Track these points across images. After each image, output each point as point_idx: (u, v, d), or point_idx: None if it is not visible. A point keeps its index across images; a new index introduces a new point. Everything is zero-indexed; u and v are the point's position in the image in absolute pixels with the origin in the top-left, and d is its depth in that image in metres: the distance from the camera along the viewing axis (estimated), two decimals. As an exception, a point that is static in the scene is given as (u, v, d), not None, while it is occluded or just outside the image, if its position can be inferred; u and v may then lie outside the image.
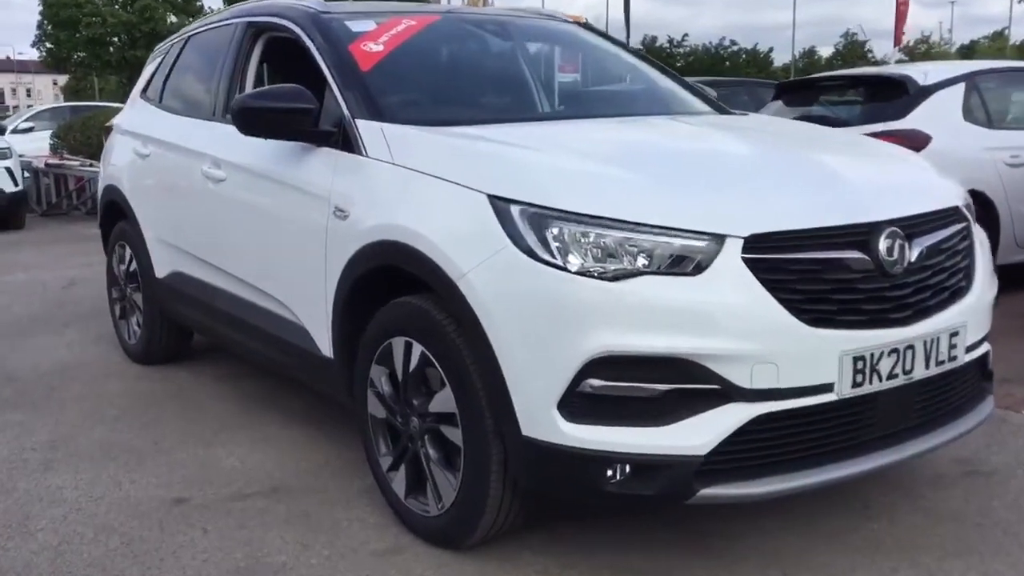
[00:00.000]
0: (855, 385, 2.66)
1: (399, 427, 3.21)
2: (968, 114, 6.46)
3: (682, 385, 2.59)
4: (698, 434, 2.59)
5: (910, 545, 3.06)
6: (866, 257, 2.71)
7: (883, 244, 2.73)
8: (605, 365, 2.58)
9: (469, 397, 2.85)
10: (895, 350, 2.72)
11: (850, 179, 2.97)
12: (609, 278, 2.58)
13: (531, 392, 2.67)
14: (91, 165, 12.91)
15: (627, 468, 2.63)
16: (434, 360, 2.97)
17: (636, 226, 2.61)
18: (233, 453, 4.01)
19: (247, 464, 3.89)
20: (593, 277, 2.59)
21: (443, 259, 2.84)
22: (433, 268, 2.87)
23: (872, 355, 2.68)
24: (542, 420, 2.66)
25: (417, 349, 3.03)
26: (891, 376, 2.73)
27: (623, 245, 2.61)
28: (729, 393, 2.59)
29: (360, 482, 3.64)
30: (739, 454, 2.64)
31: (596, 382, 2.59)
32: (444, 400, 2.95)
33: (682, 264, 2.60)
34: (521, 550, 3.10)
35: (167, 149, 4.93)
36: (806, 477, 2.70)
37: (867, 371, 2.68)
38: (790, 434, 2.68)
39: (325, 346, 3.56)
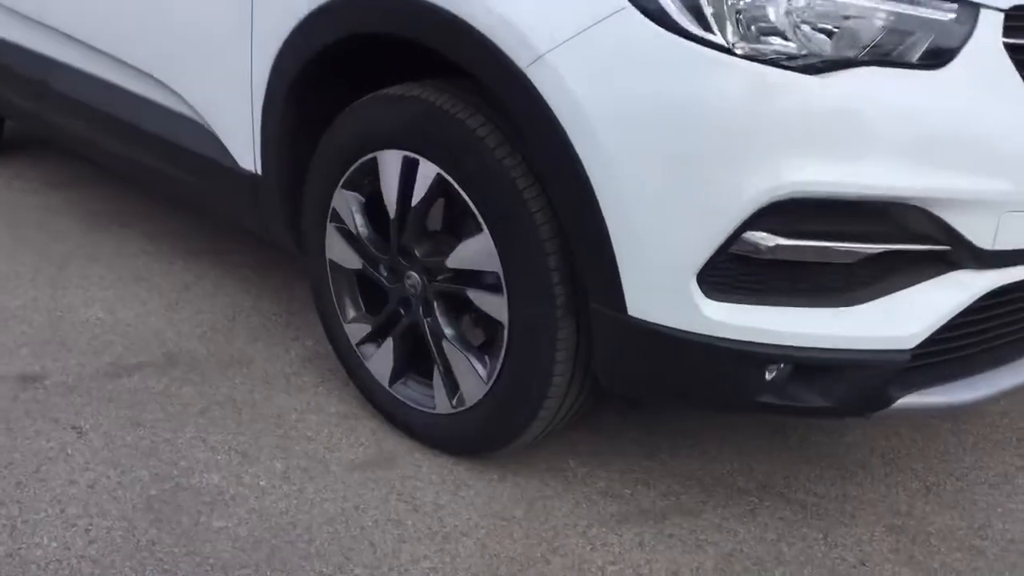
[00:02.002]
0: None
1: (384, 284, 2.15)
2: None
3: (895, 245, 1.67)
4: (906, 318, 1.70)
5: None
6: None
7: None
8: (784, 214, 1.61)
9: (526, 251, 1.83)
10: None
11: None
12: (800, 69, 1.58)
13: (653, 252, 1.68)
14: None
15: (795, 368, 1.72)
16: (461, 191, 1.91)
17: None
18: (94, 299, 2.83)
19: (118, 316, 2.73)
20: (775, 66, 1.58)
21: (500, 27, 1.73)
22: (480, 43, 1.76)
23: None
24: (667, 296, 1.69)
25: (428, 171, 1.95)
26: None
27: (826, 17, 1.60)
28: (958, 257, 1.70)
29: (299, 348, 2.59)
30: (951, 346, 1.77)
31: (767, 239, 1.63)
32: (477, 252, 1.92)
33: (913, 49, 1.61)
34: (565, 456, 2.19)
35: None
36: (1016, 376, 1.88)
37: None
38: (1016, 318, 1.84)
39: (244, 155, 2.40)
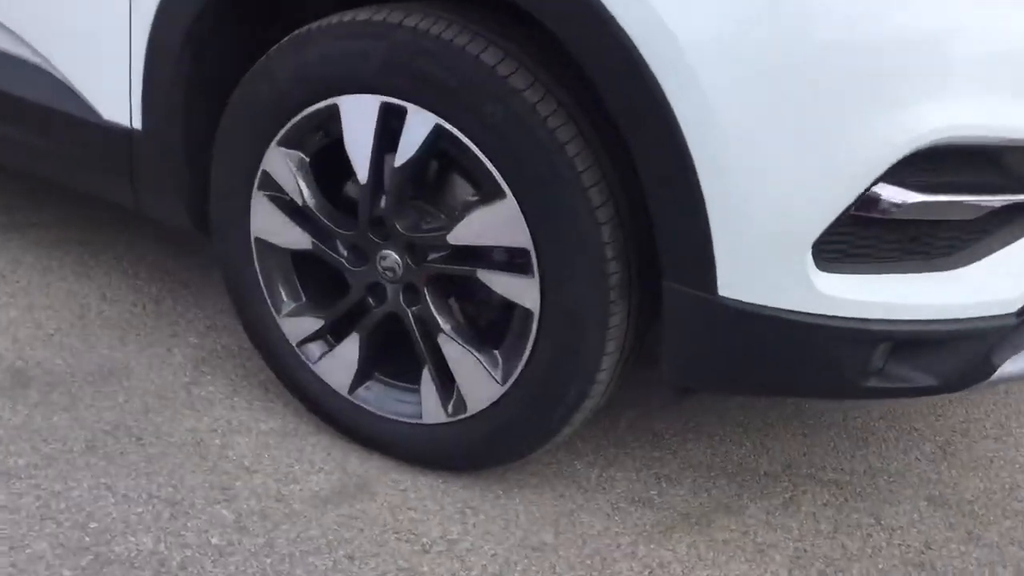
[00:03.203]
0: None
1: (344, 266, 1.69)
2: None
3: (1016, 196, 1.45)
4: (1010, 277, 1.49)
5: None
6: None
7: None
8: (922, 164, 1.34)
9: (570, 220, 1.46)
10: None
11: None
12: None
13: (761, 219, 1.35)
14: None
15: (897, 345, 1.47)
16: (474, 147, 1.49)
17: None
18: None
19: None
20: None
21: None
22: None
23: None
24: (773, 271, 1.38)
25: (421, 123, 1.51)
26: None
27: None
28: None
29: (185, 348, 2.05)
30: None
31: (899, 196, 1.35)
32: (495, 224, 1.52)
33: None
34: (565, 456, 1.84)
35: None
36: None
37: None
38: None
39: (111, 105, 1.83)
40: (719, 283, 1.39)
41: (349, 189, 1.72)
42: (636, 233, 1.49)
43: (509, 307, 1.59)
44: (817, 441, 1.97)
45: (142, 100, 1.77)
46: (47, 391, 1.87)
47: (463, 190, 1.61)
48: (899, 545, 1.72)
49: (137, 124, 1.80)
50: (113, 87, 1.80)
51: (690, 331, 1.45)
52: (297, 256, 1.75)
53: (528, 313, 1.54)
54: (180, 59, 1.69)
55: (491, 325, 1.66)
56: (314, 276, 1.78)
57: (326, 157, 1.66)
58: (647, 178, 1.38)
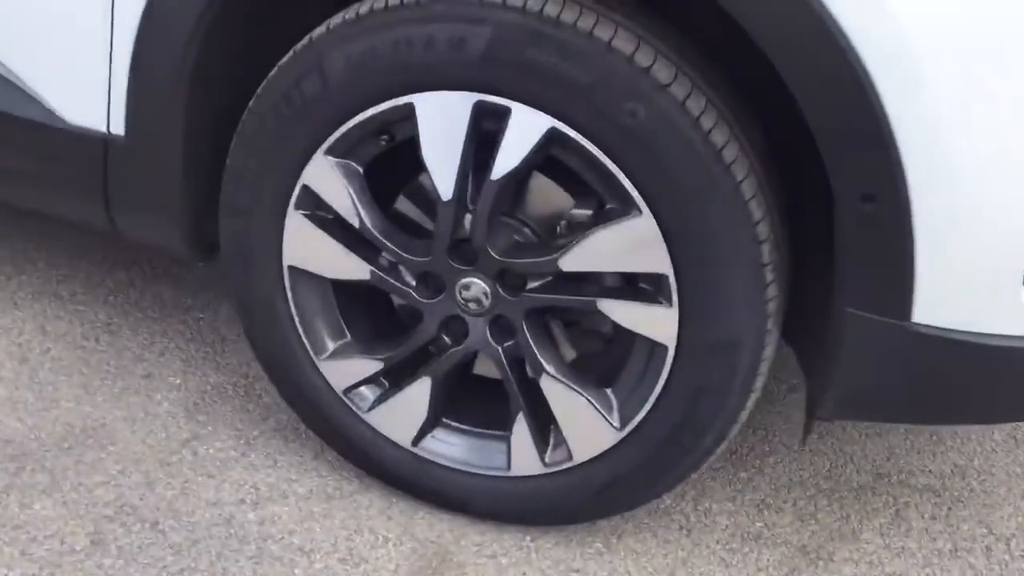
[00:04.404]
0: None
1: (414, 299, 1.38)
2: None
3: None
4: None
5: None
6: None
7: None
8: None
9: (726, 239, 1.21)
10: None
11: None
12: None
13: (982, 238, 1.15)
14: None
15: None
16: (601, 154, 1.21)
17: None
18: None
19: None
20: None
21: None
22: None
23: None
24: (981, 295, 1.19)
25: (531, 126, 1.23)
26: None
27: None
28: None
29: (168, 391, 1.69)
30: None
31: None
32: (626, 246, 1.26)
33: None
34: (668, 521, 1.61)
35: None
36: None
37: None
38: None
39: (80, 107, 1.44)
40: (915, 308, 1.19)
41: (402, 205, 1.41)
42: (791, 251, 1.27)
43: (624, 339, 1.34)
44: (894, 442, 1.82)
45: (127, 100, 1.39)
46: (16, 469, 1.48)
47: (563, 202, 1.34)
48: (1021, 556, 1.60)
49: (117, 129, 1.42)
50: (82, 84, 1.41)
51: (873, 360, 1.24)
52: (339, 286, 1.43)
53: (658, 347, 1.29)
54: (186, 48, 1.32)
55: (599, 359, 1.41)
56: (359, 309, 1.47)
57: (380, 167, 1.35)
58: (845, 196, 1.15)
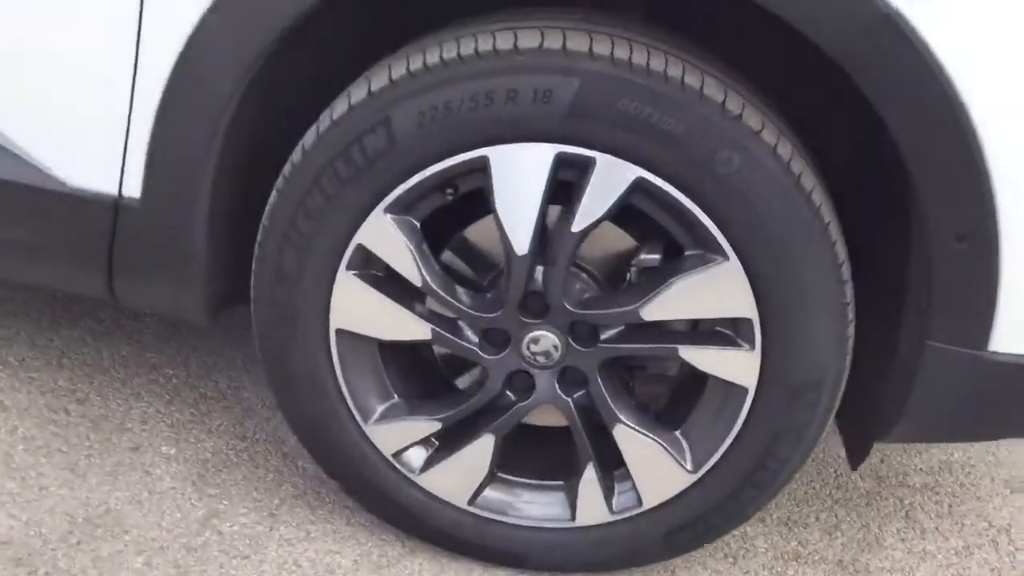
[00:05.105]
0: None
1: (477, 355, 1.32)
2: None
3: None
4: None
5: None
6: None
7: None
8: None
9: (813, 281, 1.22)
10: None
11: None
12: None
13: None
14: None
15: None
16: (690, 202, 1.19)
17: None
18: None
19: None
20: None
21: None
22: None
23: None
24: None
25: (616, 175, 1.19)
26: None
27: None
28: None
29: (164, 466, 1.55)
30: None
31: None
32: (710, 292, 1.24)
33: None
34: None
35: None
36: None
37: None
38: None
39: (88, 170, 1.29)
40: (992, 338, 1.23)
41: (447, 257, 1.35)
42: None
43: (692, 381, 1.33)
44: (881, 445, 1.89)
45: (147, 159, 1.25)
46: (27, 570, 1.32)
47: (625, 247, 1.31)
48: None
49: (131, 192, 1.28)
50: (91, 143, 1.26)
51: (948, 388, 1.28)
52: (383, 345, 1.35)
53: (736, 389, 1.29)
54: (228, 101, 1.20)
55: (664, 401, 1.39)
56: (403, 366, 1.39)
57: (435, 223, 1.28)
58: (939, 236, 1.17)
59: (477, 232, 1.34)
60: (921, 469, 1.85)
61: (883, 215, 1.32)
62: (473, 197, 1.26)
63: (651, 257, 1.30)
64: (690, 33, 1.30)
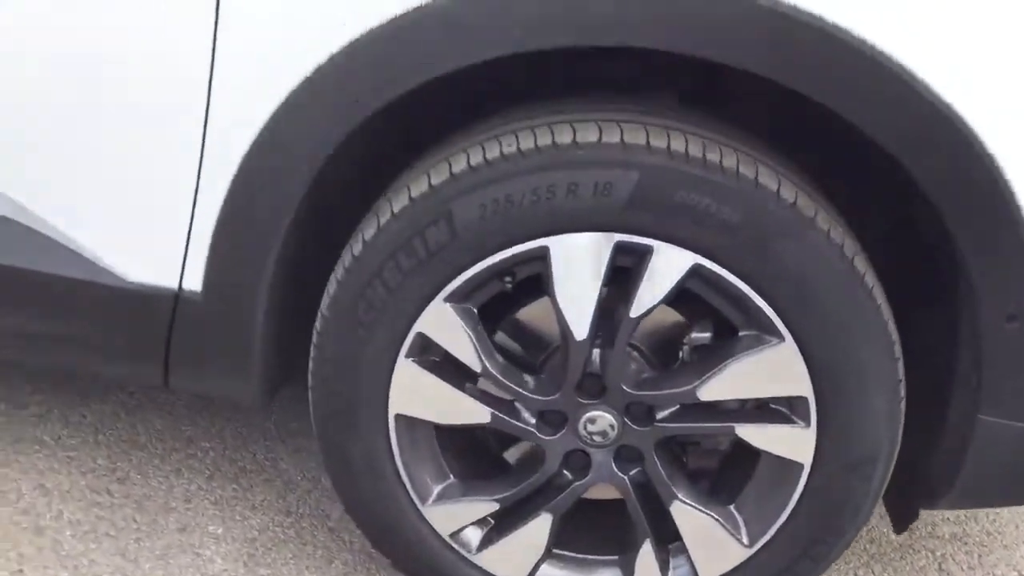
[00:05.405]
0: None
1: (536, 437, 1.34)
2: None
3: None
4: None
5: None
6: None
7: None
8: None
9: (869, 360, 1.25)
10: None
11: None
12: None
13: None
14: None
15: None
16: (745, 287, 1.22)
17: None
18: None
19: None
20: None
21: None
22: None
23: None
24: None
25: (672, 263, 1.22)
26: None
27: None
28: None
29: (191, 562, 1.55)
30: None
31: None
32: (766, 372, 1.26)
33: None
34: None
35: None
36: None
37: None
38: None
39: (150, 264, 1.30)
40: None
41: (499, 338, 1.37)
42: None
43: (745, 456, 1.36)
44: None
45: (209, 253, 1.26)
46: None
47: (676, 326, 1.34)
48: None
49: (192, 285, 1.29)
50: (152, 238, 1.27)
51: (1001, 459, 1.31)
52: (440, 427, 1.37)
53: (791, 465, 1.32)
54: (296, 192, 1.22)
55: (713, 475, 1.42)
56: (457, 446, 1.41)
57: (494, 309, 1.30)
58: (990, 317, 1.21)
59: (529, 314, 1.36)
60: (948, 519, 1.88)
61: (926, 298, 1.36)
62: (523, 280, 1.29)
63: (702, 335, 1.32)
64: (723, 113, 1.33)
